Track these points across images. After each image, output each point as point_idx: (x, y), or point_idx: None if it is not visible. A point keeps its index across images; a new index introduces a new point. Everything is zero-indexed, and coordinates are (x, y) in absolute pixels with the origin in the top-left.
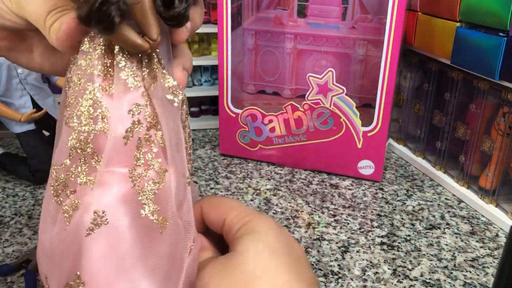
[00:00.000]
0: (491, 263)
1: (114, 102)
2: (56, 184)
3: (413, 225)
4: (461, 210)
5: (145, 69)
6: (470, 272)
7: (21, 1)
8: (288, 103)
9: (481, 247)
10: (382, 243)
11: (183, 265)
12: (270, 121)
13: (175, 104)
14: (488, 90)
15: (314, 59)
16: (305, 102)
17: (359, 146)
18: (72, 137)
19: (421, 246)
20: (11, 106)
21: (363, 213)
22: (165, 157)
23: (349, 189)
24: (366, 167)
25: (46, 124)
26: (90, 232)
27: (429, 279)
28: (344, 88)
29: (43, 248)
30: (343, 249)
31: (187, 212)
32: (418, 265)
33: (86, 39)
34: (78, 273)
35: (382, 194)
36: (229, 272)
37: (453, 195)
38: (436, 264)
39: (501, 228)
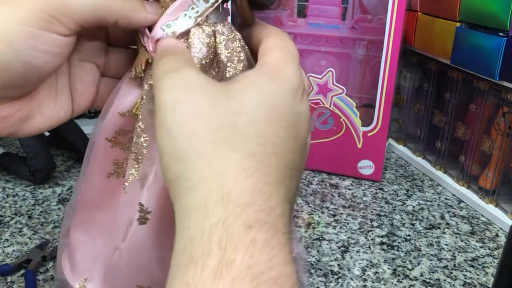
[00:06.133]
0: (491, 263)
1: None
2: None
3: (413, 225)
4: (461, 210)
5: None
6: (470, 272)
7: None
8: None
9: (481, 247)
10: (382, 243)
11: None
12: None
13: None
14: (488, 90)
15: (314, 59)
16: None
17: (359, 146)
18: None
19: (421, 246)
20: None
21: (363, 213)
22: None
23: (349, 189)
24: (366, 167)
25: None
26: None
27: (429, 278)
28: (344, 88)
29: None
30: (343, 249)
31: None
32: (418, 264)
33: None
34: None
35: (382, 194)
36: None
37: (453, 195)
38: (436, 264)
39: (501, 228)
